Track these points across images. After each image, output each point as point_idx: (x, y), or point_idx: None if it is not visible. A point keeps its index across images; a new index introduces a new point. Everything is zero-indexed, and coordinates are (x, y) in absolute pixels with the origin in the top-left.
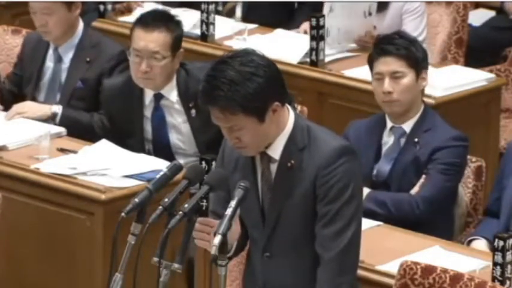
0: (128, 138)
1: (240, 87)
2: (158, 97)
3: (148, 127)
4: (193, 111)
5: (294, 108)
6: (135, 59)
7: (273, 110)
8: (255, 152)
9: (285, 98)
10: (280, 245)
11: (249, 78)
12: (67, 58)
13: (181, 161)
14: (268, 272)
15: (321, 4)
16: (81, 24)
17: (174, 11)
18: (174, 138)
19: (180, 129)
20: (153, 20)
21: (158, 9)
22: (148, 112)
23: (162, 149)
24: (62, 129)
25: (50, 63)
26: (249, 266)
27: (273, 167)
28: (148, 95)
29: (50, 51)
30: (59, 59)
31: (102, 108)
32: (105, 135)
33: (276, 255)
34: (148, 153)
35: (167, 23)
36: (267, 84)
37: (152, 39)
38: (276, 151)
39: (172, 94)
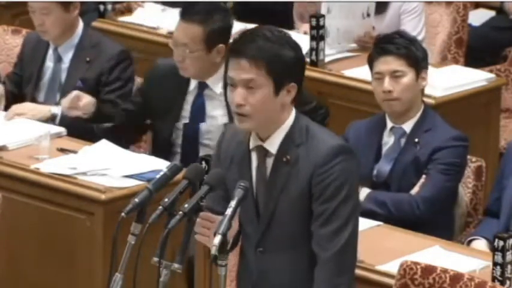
0: (160, 122)
1: (274, 47)
2: (203, 86)
3: (186, 112)
4: None
5: (326, 124)
6: (173, 46)
7: (287, 90)
8: (252, 126)
9: (301, 87)
10: (274, 241)
11: (284, 44)
12: (67, 58)
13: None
14: (262, 268)
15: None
16: (80, 24)
17: (175, 11)
18: (205, 128)
19: (217, 121)
20: (191, 11)
21: (205, 1)
22: (190, 97)
23: (190, 139)
24: (62, 129)
25: (49, 63)
26: (242, 262)
27: (269, 162)
28: (194, 81)
29: (50, 51)
30: (58, 59)
31: (145, 85)
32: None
33: (269, 251)
34: (174, 142)
35: (206, 16)
36: (295, 60)
37: (184, 31)
38: (273, 145)
39: (217, 86)
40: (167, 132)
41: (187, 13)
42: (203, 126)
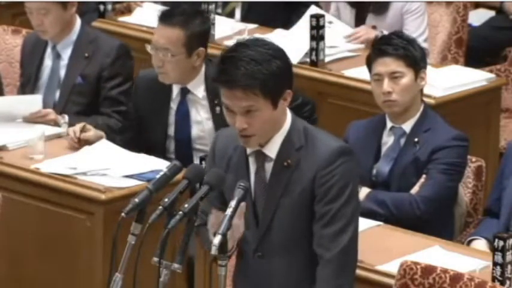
0: (150, 132)
1: (261, 67)
2: (185, 91)
3: (172, 120)
4: (218, 108)
5: (315, 119)
6: (151, 51)
7: (284, 98)
8: (257, 143)
9: (292, 89)
10: (273, 245)
11: (269, 59)
12: (65, 55)
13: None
14: (260, 271)
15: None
16: (78, 21)
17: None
18: (195, 134)
19: (203, 126)
20: (171, 15)
21: (184, 4)
22: (174, 105)
23: (184, 144)
24: (62, 130)
25: (48, 62)
26: (240, 266)
27: (268, 166)
28: (176, 88)
29: (49, 50)
30: (57, 56)
31: (132, 98)
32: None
33: (268, 255)
34: (168, 148)
35: (186, 19)
36: (284, 69)
37: (164, 35)
38: (272, 150)
39: (199, 89)
40: (160, 140)
41: (167, 17)
42: (193, 131)
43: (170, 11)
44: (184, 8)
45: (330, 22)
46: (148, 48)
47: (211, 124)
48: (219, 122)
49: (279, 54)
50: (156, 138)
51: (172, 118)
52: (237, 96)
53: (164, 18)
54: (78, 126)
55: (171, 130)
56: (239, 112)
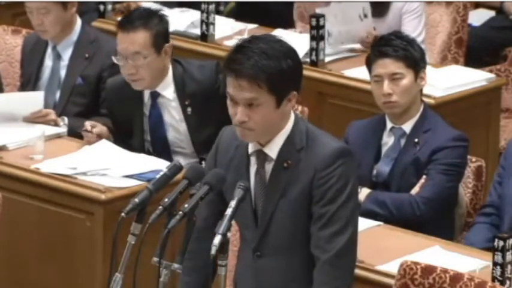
0: (129, 138)
1: (271, 62)
2: (155, 95)
3: (147, 125)
4: (189, 109)
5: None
6: (120, 61)
7: (289, 99)
8: (255, 139)
9: (299, 92)
10: (272, 245)
11: (281, 57)
12: (66, 55)
13: (180, 161)
14: (259, 271)
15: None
16: (78, 22)
17: (169, 10)
18: (171, 136)
19: (177, 128)
20: (130, 21)
21: (138, 9)
22: (147, 110)
23: (161, 148)
24: (62, 130)
25: (48, 62)
26: (240, 266)
27: (269, 167)
28: (147, 93)
29: (49, 50)
30: (57, 57)
31: (106, 107)
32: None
33: (267, 255)
34: (148, 153)
35: (145, 21)
36: (294, 69)
37: (131, 41)
38: (273, 150)
39: (168, 91)
40: (139, 147)
41: (128, 23)
42: (169, 135)
43: (128, 17)
44: (140, 12)
45: (365, 16)
46: (115, 59)
47: (185, 126)
48: (191, 122)
49: (291, 54)
50: (136, 145)
51: (146, 124)
52: (242, 86)
53: (124, 25)
54: (88, 123)
55: (148, 136)
56: (242, 103)
